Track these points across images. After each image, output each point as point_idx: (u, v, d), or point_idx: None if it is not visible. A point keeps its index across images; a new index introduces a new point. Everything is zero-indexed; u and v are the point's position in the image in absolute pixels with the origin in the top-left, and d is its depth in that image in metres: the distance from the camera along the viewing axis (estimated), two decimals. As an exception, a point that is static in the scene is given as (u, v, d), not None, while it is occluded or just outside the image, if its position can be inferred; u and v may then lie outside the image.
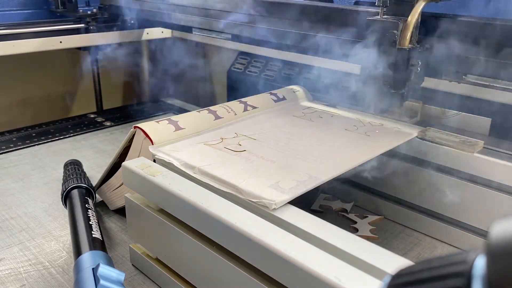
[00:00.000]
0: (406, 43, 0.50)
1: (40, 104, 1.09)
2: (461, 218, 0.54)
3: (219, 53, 1.07)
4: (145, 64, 1.26)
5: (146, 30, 1.09)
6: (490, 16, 0.54)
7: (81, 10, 1.01)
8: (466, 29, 0.53)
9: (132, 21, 1.06)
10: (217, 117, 0.58)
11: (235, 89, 1.00)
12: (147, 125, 0.53)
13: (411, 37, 0.50)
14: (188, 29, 0.93)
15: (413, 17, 0.49)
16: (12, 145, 0.86)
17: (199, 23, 0.89)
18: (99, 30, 1.03)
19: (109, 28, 1.05)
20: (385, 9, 0.52)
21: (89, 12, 1.02)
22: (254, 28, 0.77)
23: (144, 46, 1.19)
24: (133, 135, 0.54)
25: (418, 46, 0.52)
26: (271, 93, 0.67)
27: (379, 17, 0.52)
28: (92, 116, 1.05)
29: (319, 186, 0.43)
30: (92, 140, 0.90)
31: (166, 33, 1.11)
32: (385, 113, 0.59)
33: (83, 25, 1.02)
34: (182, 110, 1.08)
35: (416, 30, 0.52)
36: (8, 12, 0.98)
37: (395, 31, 0.49)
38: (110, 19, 1.06)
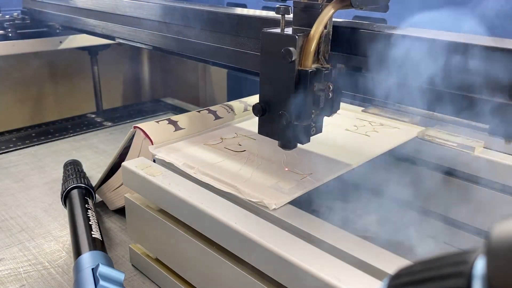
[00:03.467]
0: (309, 64, 0.37)
1: (40, 104, 1.09)
2: (461, 218, 0.54)
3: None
4: (146, 64, 1.26)
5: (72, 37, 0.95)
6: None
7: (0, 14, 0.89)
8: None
9: (59, 27, 0.89)
10: (217, 117, 0.58)
11: (235, 89, 1.00)
12: (147, 125, 0.53)
13: (317, 55, 0.38)
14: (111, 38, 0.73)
15: (317, 29, 0.36)
16: (12, 145, 0.86)
17: (121, 32, 0.69)
18: (18, 37, 0.88)
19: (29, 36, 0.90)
20: (290, 19, 0.39)
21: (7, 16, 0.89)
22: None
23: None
24: (133, 135, 0.54)
25: (328, 66, 0.38)
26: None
27: (279, 29, 0.38)
28: (92, 116, 1.05)
29: (319, 186, 0.43)
30: (92, 140, 0.90)
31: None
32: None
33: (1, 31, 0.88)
34: (182, 110, 1.08)
35: (327, 45, 0.39)
36: None
37: (291, 48, 0.36)
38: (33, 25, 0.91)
